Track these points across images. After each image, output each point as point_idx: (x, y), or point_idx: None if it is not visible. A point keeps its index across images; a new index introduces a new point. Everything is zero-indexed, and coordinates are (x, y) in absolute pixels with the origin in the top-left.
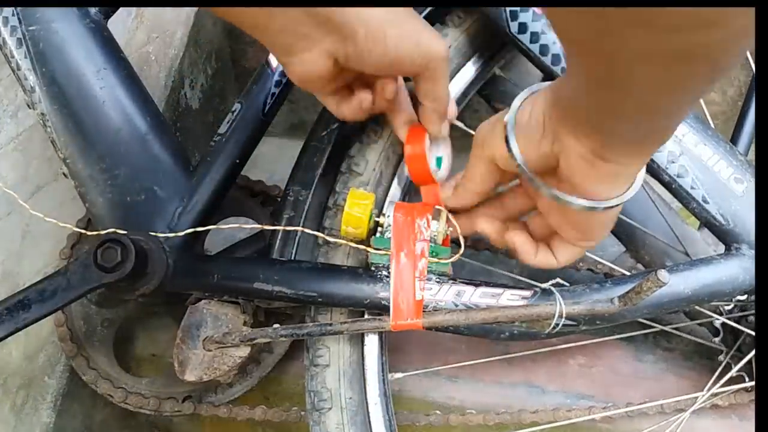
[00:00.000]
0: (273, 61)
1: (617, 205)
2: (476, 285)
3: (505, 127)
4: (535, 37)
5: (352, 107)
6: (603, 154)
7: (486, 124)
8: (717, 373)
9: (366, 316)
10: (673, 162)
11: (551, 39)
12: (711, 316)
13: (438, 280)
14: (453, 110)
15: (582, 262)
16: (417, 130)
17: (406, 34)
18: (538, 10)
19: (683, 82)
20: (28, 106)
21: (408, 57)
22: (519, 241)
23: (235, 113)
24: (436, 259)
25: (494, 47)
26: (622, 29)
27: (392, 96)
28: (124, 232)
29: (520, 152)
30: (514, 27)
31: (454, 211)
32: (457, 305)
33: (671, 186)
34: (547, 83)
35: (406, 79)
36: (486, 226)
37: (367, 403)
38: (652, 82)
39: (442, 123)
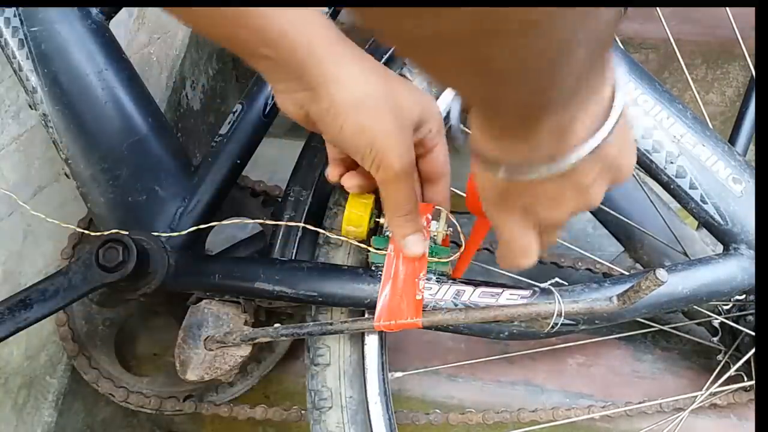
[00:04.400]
0: None
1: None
2: (475, 285)
3: None
4: None
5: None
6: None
7: None
8: (715, 373)
9: (366, 316)
10: (672, 162)
11: None
12: (709, 316)
13: (438, 279)
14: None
15: (581, 262)
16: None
17: (366, 130)
18: None
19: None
20: (30, 106)
21: (359, 154)
22: None
23: (236, 114)
24: (435, 259)
25: None
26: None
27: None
28: (126, 232)
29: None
30: None
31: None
32: (456, 304)
33: (670, 186)
34: None
35: None
36: None
37: (367, 402)
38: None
39: (410, 228)
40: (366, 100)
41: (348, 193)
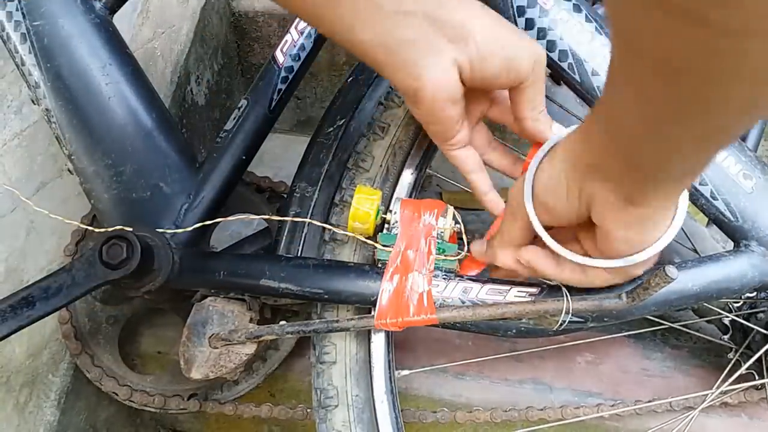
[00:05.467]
0: (279, 57)
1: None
2: (483, 282)
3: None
4: (542, 33)
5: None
6: (634, 199)
7: (516, 184)
8: (726, 371)
9: (373, 313)
10: None
11: (558, 35)
12: (720, 314)
13: (445, 276)
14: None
15: None
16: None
17: (512, 36)
18: (545, 5)
19: None
20: (33, 101)
21: (519, 59)
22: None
23: (241, 109)
24: (443, 256)
25: None
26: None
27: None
28: (130, 228)
29: (537, 218)
30: (521, 23)
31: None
32: (464, 302)
33: None
34: (558, 137)
35: None
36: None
37: (373, 400)
38: (743, 101)
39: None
40: (490, 14)
41: (354, 190)
